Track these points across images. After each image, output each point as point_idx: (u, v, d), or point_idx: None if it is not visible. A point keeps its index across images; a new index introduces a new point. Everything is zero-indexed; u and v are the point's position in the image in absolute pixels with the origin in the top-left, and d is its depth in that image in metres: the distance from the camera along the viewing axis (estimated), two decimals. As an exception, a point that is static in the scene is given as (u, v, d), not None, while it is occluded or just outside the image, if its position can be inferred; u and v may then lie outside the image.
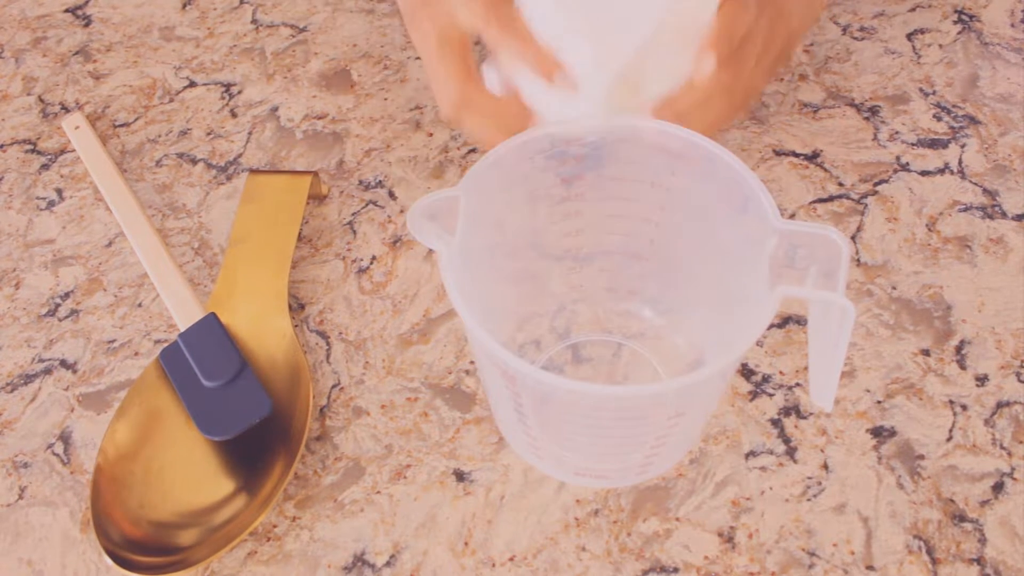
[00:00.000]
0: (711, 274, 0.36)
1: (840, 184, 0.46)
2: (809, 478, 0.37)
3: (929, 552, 0.35)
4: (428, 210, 0.31)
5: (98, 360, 0.43)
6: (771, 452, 0.38)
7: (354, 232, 0.46)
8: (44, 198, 0.49)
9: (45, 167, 0.50)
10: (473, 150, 0.49)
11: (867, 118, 0.49)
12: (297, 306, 0.44)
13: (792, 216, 0.45)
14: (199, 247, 0.46)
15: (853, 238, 0.44)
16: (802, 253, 0.30)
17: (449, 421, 0.39)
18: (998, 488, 0.37)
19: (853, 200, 0.46)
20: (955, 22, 0.54)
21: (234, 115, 0.52)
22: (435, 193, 0.31)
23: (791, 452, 0.38)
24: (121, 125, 0.52)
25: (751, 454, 0.38)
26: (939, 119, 0.49)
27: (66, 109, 0.53)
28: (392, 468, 0.38)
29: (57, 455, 0.40)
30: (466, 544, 0.36)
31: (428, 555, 0.36)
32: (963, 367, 0.40)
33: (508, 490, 0.37)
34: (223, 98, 0.53)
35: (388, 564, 0.36)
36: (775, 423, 0.39)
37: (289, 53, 0.55)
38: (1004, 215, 0.45)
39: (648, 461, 0.35)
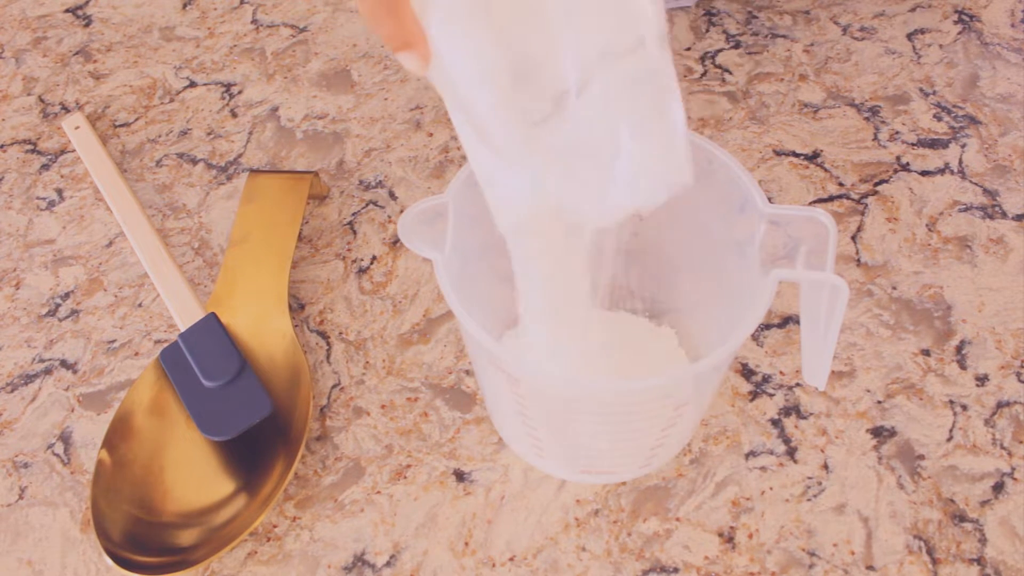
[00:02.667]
0: (708, 271, 0.36)
1: (840, 184, 0.46)
2: (809, 478, 0.37)
3: (929, 552, 0.35)
4: (418, 219, 0.31)
5: (98, 360, 0.43)
6: (771, 452, 0.38)
7: (354, 232, 0.46)
8: (44, 198, 0.49)
9: (45, 167, 0.50)
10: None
11: (867, 118, 0.49)
12: (297, 306, 0.44)
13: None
14: (199, 247, 0.46)
15: (853, 238, 0.44)
16: (790, 236, 0.30)
17: (449, 421, 0.39)
18: (998, 488, 0.37)
19: (853, 200, 0.46)
20: (955, 22, 0.54)
21: (234, 115, 0.52)
22: (423, 201, 0.31)
23: (791, 452, 0.38)
24: (121, 125, 0.52)
25: (751, 454, 0.38)
26: (939, 119, 0.49)
27: (66, 109, 0.53)
28: (392, 468, 0.38)
29: (57, 455, 0.40)
30: (466, 544, 0.36)
31: (428, 555, 0.36)
32: (963, 367, 0.40)
33: (508, 490, 0.37)
34: (223, 98, 0.53)
35: (388, 564, 0.36)
36: (775, 423, 0.39)
37: (289, 53, 0.55)
38: (1004, 215, 0.45)
39: (653, 453, 0.35)
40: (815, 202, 0.46)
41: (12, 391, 0.42)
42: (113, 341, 0.43)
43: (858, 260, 0.44)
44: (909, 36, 0.53)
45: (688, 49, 0.53)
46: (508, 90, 0.29)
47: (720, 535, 0.36)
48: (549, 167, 0.30)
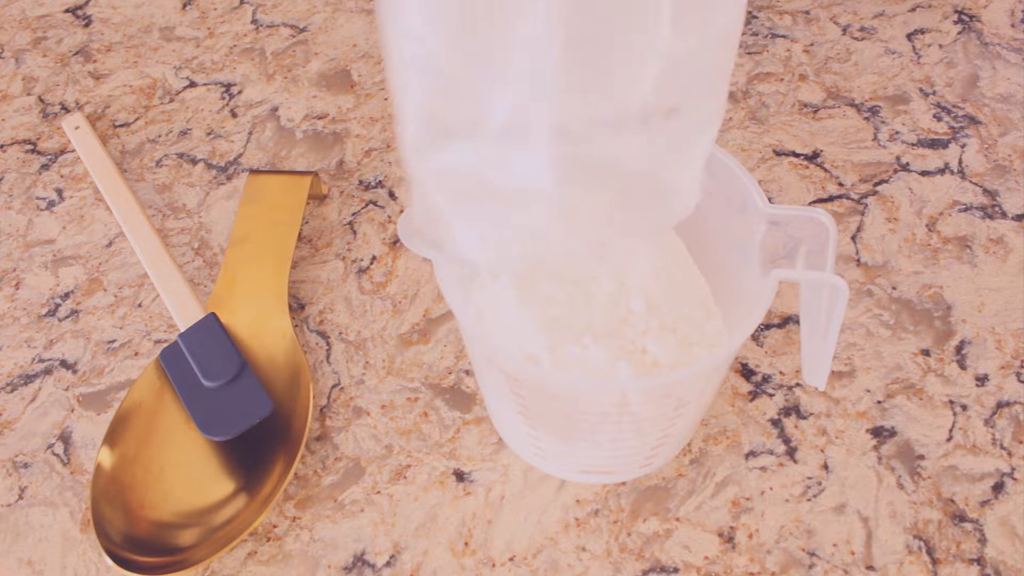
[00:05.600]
0: (707, 271, 0.36)
1: (840, 184, 0.46)
2: (809, 478, 0.37)
3: (929, 552, 0.35)
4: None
5: (98, 360, 0.43)
6: (771, 452, 0.38)
7: (354, 232, 0.46)
8: (44, 198, 0.49)
9: (45, 167, 0.50)
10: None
11: (867, 118, 0.49)
12: (297, 306, 0.44)
13: (792, 216, 0.45)
14: (199, 247, 0.46)
15: (853, 238, 0.44)
16: (791, 236, 0.30)
17: (449, 421, 0.39)
18: (998, 488, 0.37)
19: (853, 200, 0.46)
20: (955, 22, 0.54)
21: (234, 115, 0.52)
22: None
23: (791, 452, 0.38)
24: (121, 125, 0.52)
25: (751, 454, 0.38)
26: (939, 119, 0.49)
27: (66, 109, 0.53)
28: (392, 468, 0.38)
29: (57, 455, 0.40)
30: (466, 544, 0.36)
31: (428, 555, 0.36)
32: (963, 367, 0.40)
33: (508, 490, 0.37)
34: (223, 98, 0.53)
35: (388, 564, 0.36)
36: (775, 423, 0.39)
37: (289, 53, 0.55)
38: (1004, 215, 0.45)
39: (653, 453, 0.35)
40: (815, 202, 0.46)
41: (12, 391, 0.42)
42: (113, 341, 0.43)
43: (858, 260, 0.44)
44: (909, 36, 0.53)
45: (688, 49, 0.53)
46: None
47: (720, 535, 0.36)
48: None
